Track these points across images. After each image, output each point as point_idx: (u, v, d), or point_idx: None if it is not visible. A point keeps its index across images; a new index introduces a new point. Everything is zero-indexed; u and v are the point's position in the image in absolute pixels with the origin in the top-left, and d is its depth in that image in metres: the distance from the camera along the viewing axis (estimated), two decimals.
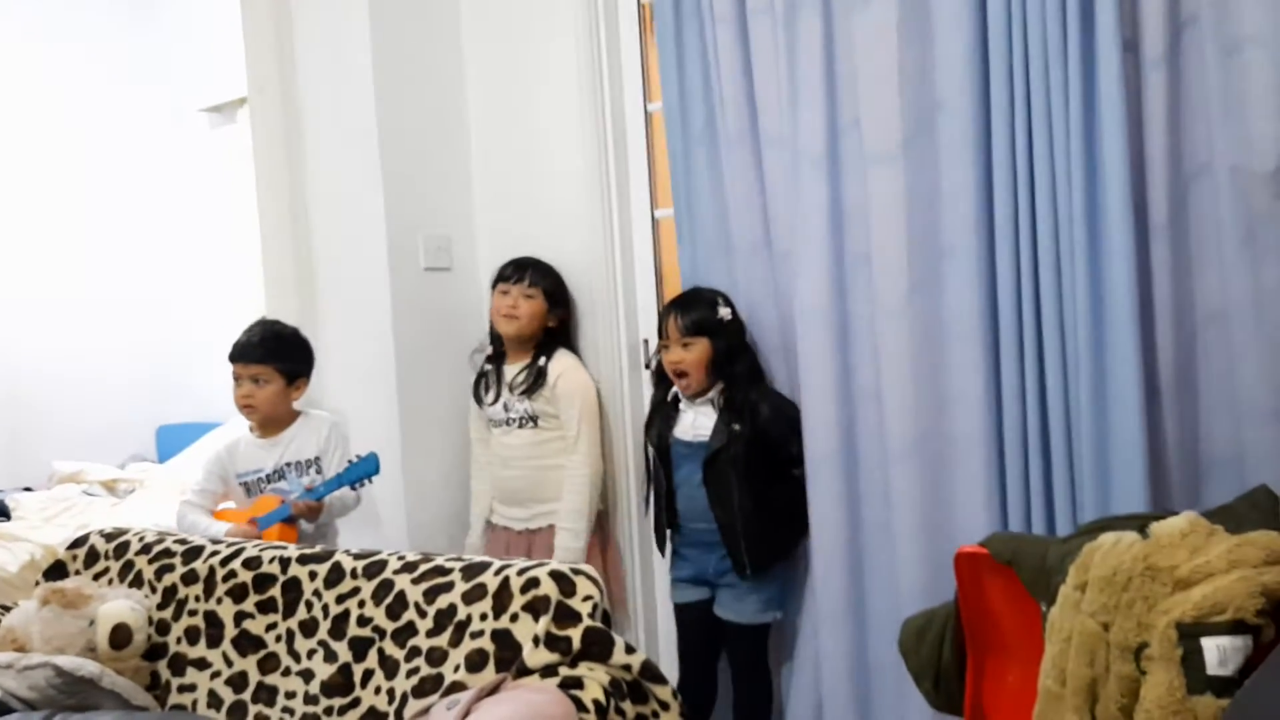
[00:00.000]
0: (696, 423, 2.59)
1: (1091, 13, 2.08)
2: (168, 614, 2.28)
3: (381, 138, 2.94)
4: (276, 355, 2.71)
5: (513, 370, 2.86)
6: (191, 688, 2.19)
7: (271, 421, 2.73)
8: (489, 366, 2.92)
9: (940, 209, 2.31)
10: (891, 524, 2.39)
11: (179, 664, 2.22)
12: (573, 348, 2.91)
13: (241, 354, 2.70)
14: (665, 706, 1.82)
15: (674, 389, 2.64)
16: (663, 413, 2.68)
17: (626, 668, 1.81)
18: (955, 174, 2.27)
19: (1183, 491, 2.11)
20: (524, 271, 2.84)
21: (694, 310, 2.58)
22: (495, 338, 2.92)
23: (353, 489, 2.63)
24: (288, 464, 2.71)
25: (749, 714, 2.65)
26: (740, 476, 2.49)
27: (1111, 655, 1.37)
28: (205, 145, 5.08)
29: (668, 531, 2.70)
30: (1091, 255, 2.11)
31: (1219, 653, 1.26)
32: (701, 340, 2.55)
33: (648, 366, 2.90)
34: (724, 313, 2.58)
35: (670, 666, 2.78)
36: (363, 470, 2.58)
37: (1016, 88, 2.18)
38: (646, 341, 2.93)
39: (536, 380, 2.79)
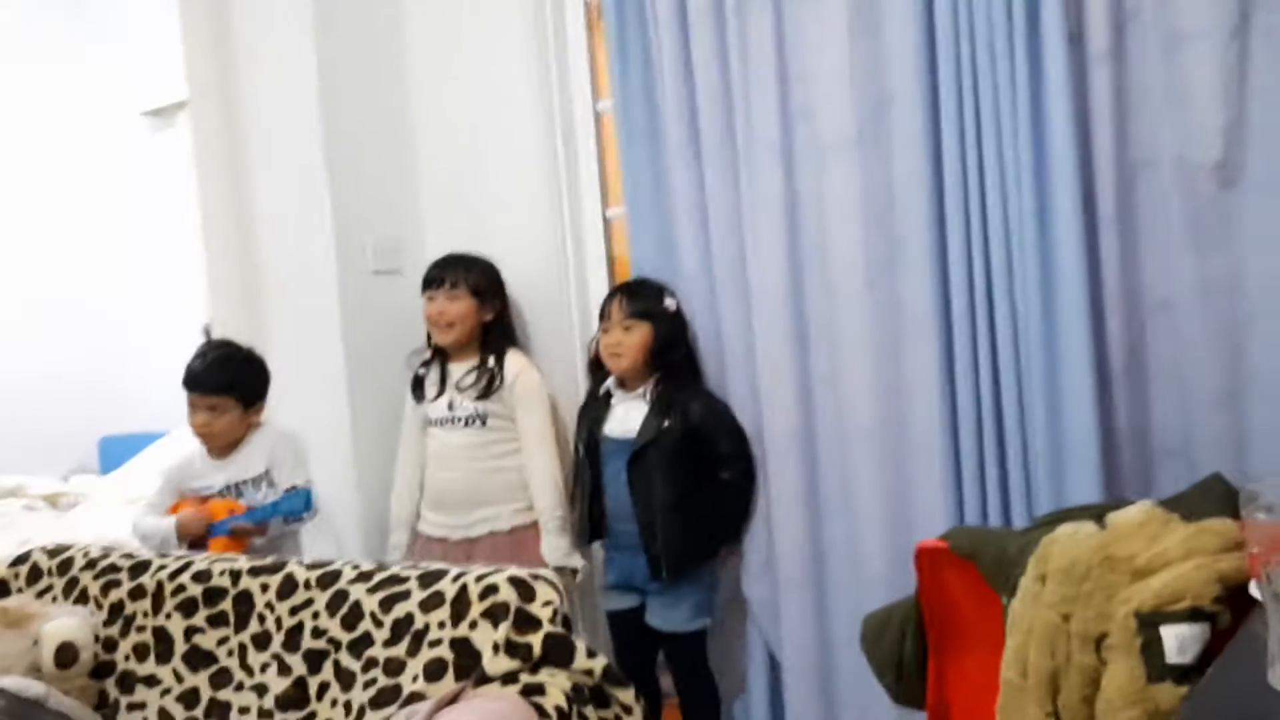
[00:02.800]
0: (627, 418, 2.55)
1: (1037, 7, 2.10)
2: (115, 630, 2.21)
3: (326, 139, 2.89)
4: (232, 384, 2.63)
5: (460, 369, 2.79)
6: (141, 706, 2.14)
7: (228, 445, 2.68)
8: (424, 370, 2.85)
9: (893, 200, 2.32)
10: (850, 515, 2.40)
11: (128, 682, 2.16)
12: (515, 340, 2.86)
13: (197, 383, 2.63)
14: (628, 710, 1.81)
15: (606, 383, 2.61)
16: (594, 407, 2.64)
17: (588, 672, 1.79)
18: (907, 166, 2.28)
19: (1134, 478, 2.14)
20: (444, 273, 2.77)
21: (640, 295, 2.57)
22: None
23: (285, 522, 2.57)
24: (239, 481, 2.65)
25: (697, 718, 2.62)
26: (665, 474, 2.45)
27: (1072, 646, 1.38)
28: (146, 149, 4.98)
29: (597, 534, 2.66)
30: (1042, 246, 2.13)
31: (1178, 641, 1.27)
32: (643, 325, 2.53)
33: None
34: (669, 303, 2.58)
35: None
36: (289, 506, 2.52)
37: (965, 81, 2.20)
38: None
39: (491, 381, 2.75)
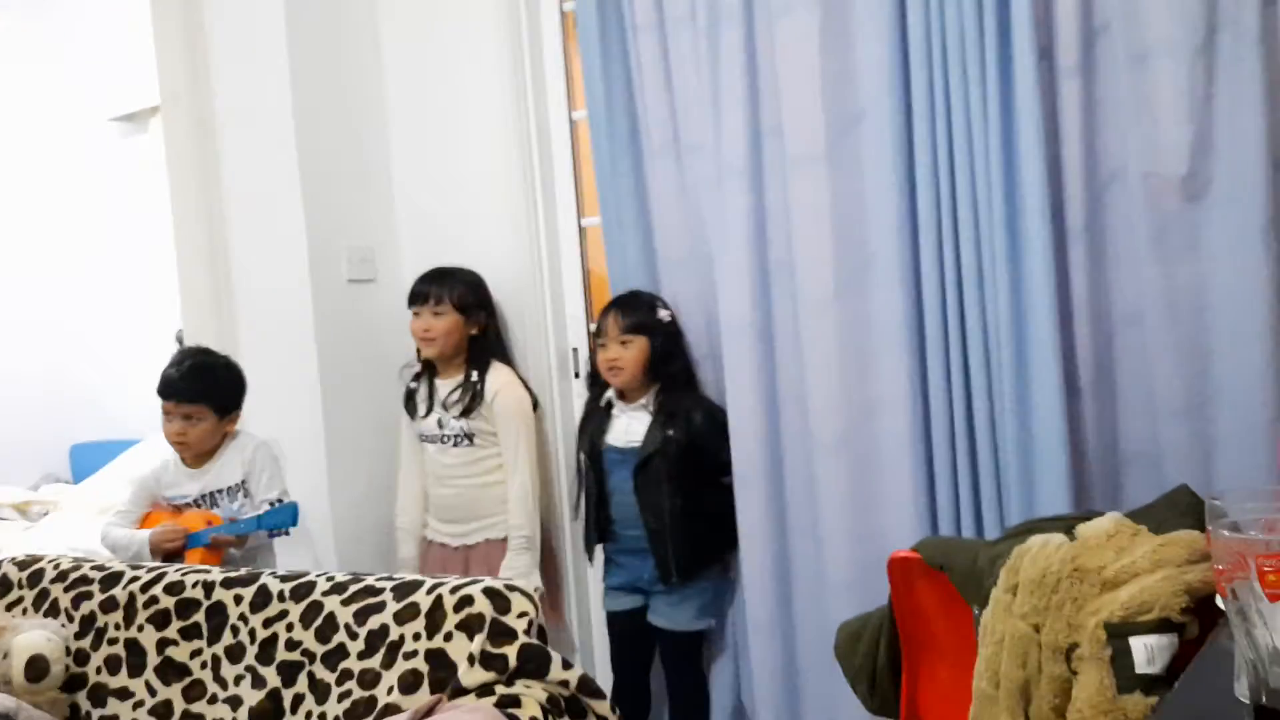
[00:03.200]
0: (630, 428, 2.59)
1: (1007, 22, 2.12)
2: (86, 643, 2.19)
3: (300, 146, 2.87)
4: (207, 393, 2.61)
5: (446, 387, 2.79)
6: (114, 719, 2.12)
7: (203, 454, 2.66)
8: (414, 384, 2.86)
9: (864, 214, 2.34)
10: (819, 527, 2.42)
11: (99, 695, 2.14)
12: (504, 354, 2.86)
13: (172, 391, 2.60)
14: None
15: (607, 394, 2.64)
16: (595, 418, 2.67)
17: (564, 684, 1.79)
18: (878, 179, 2.30)
19: (1103, 488, 2.17)
20: (429, 288, 2.77)
21: (635, 309, 2.59)
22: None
23: (270, 535, 2.56)
24: (215, 491, 2.63)
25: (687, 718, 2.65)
26: (672, 482, 2.50)
27: (1043, 656, 1.40)
28: (117, 155, 4.93)
29: (602, 539, 2.69)
30: (1012, 259, 2.15)
31: (1147, 651, 1.29)
32: (640, 339, 2.56)
33: (577, 375, 2.88)
34: (663, 315, 2.60)
35: (605, 674, 2.77)
36: (276, 520, 2.51)
37: (936, 94, 2.22)
38: (576, 350, 2.91)
39: (474, 399, 2.75)
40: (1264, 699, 0.86)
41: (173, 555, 2.51)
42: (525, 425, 2.76)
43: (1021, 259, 2.14)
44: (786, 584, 2.48)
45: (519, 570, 2.68)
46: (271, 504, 2.55)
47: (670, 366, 2.58)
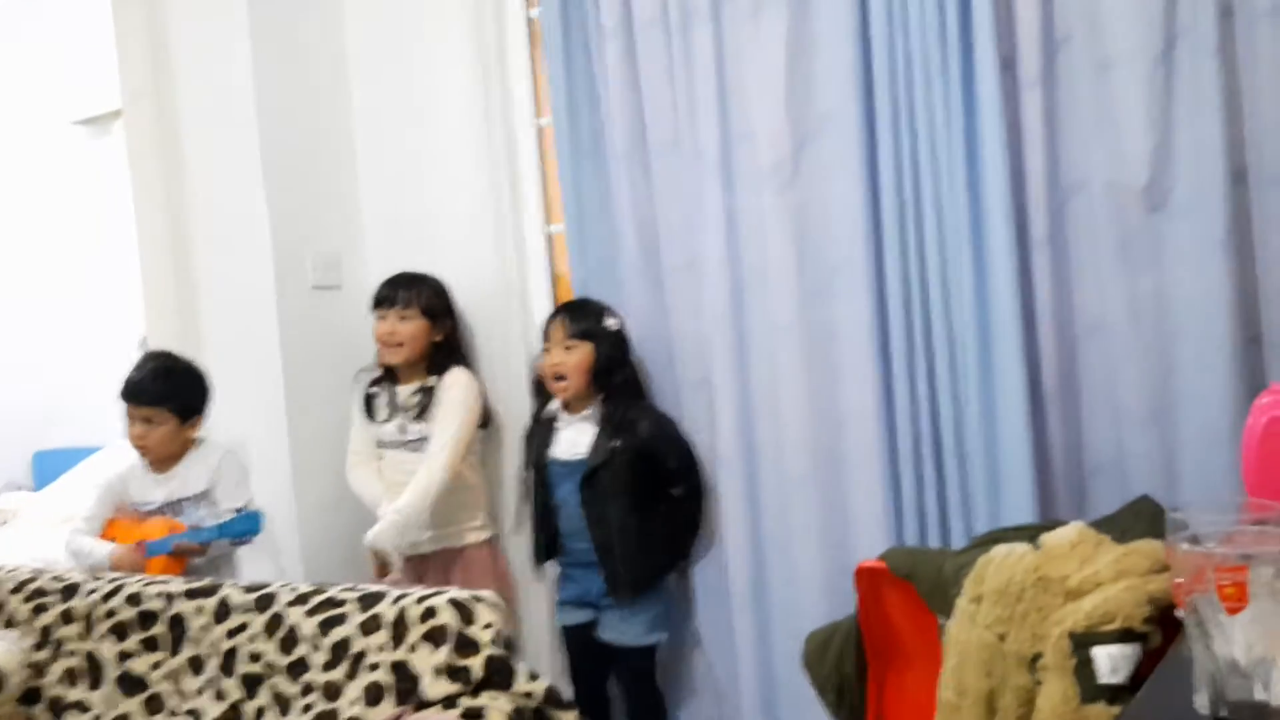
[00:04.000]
0: (575, 441, 2.55)
1: (970, 31, 2.13)
2: (45, 655, 2.17)
3: (264, 151, 2.85)
4: (169, 396, 2.58)
5: (406, 391, 2.77)
6: None
7: (166, 459, 2.63)
8: (375, 389, 2.82)
9: (830, 222, 2.34)
10: (789, 536, 2.41)
11: (57, 708, 2.11)
12: (466, 359, 2.83)
13: (132, 394, 2.58)
14: None
15: (550, 406, 2.61)
16: (540, 431, 2.64)
17: (529, 695, 1.78)
18: (842, 187, 2.31)
19: (1068, 496, 2.18)
20: (396, 292, 2.74)
21: (581, 315, 2.57)
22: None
23: (233, 544, 2.53)
24: (180, 499, 2.60)
25: None
26: (619, 495, 2.46)
27: (1008, 666, 1.40)
28: (80, 159, 4.86)
29: (551, 553, 2.66)
30: (976, 268, 2.17)
31: (1110, 661, 1.30)
32: (585, 345, 2.53)
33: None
34: (610, 323, 2.57)
35: (563, 686, 2.76)
36: (239, 528, 2.47)
37: (900, 105, 2.23)
38: None
39: (429, 400, 2.73)
40: (1222, 711, 0.86)
41: (137, 569, 2.47)
42: (459, 410, 2.68)
43: (986, 268, 2.15)
44: (762, 594, 2.48)
45: (382, 536, 2.60)
46: (235, 512, 2.52)
47: (616, 376, 2.54)
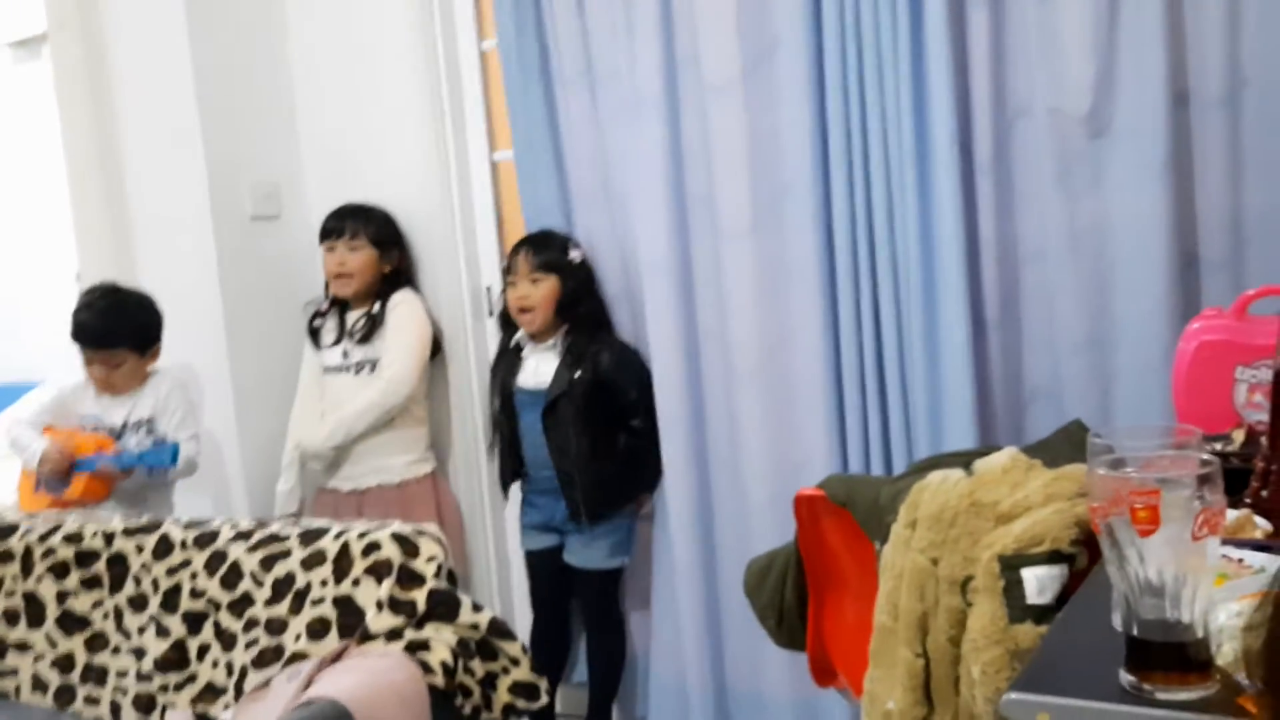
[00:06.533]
0: (538, 370, 2.57)
1: None
2: None
3: (197, 78, 2.76)
4: (126, 334, 2.58)
5: (354, 316, 2.77)
6: (13, 672, 2.08)
7: (126, 389, 2.61)
8: (321, 319, 2.80)
9: (779, 147, 2.32)
10: (739, 461, 2.43)
11: None
12: (415, 287, 2.82)
13: (89, 339, 2.55)
14: (515, 662, 1.81)
15: (517, 335, 2.61)
16: (506, 360, 2.65)
17: (474, 626, 1.79)
18: (792, 111, 2.28)
19: (1006, 421, 2.20)
20: (343, 223, 2.72)
21: (546, 248, 2.56)
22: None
23: (149, 473, 2.53)
24: (124, 423, 2.59)
25: (604, 660, 2.67)
26: (579, 424, 2.49)
27: (940, 589, 1.42)
28: (7, 84, 4.69)
29: (516, 479, 2.68)
30: (921, 192, 2.16)
31: (1037, 582, 1.32)
32: (550, 278, 2.53)
33: (491, 314, 2.84)
34: (574, 255, 2.57)
35: (524, 614, 2.78)
36: (155, 459, 2.50)
37: (847, 26, 2.20)
38: (489, 289, 2.86)
39: (374, 324, 2.71)
40: (1135, 630, 0.88)
41: (59, 476, 2.46)
42: (407, 334, 2.69)
43: (931, 193, 2.14)
44: (709, 518, 2.50)
45: (317, 440, 2.68)
46: (157, 442, 2.53)
47: (580, 308, 2.55)
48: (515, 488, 2.73)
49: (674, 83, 2.41)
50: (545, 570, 2.67)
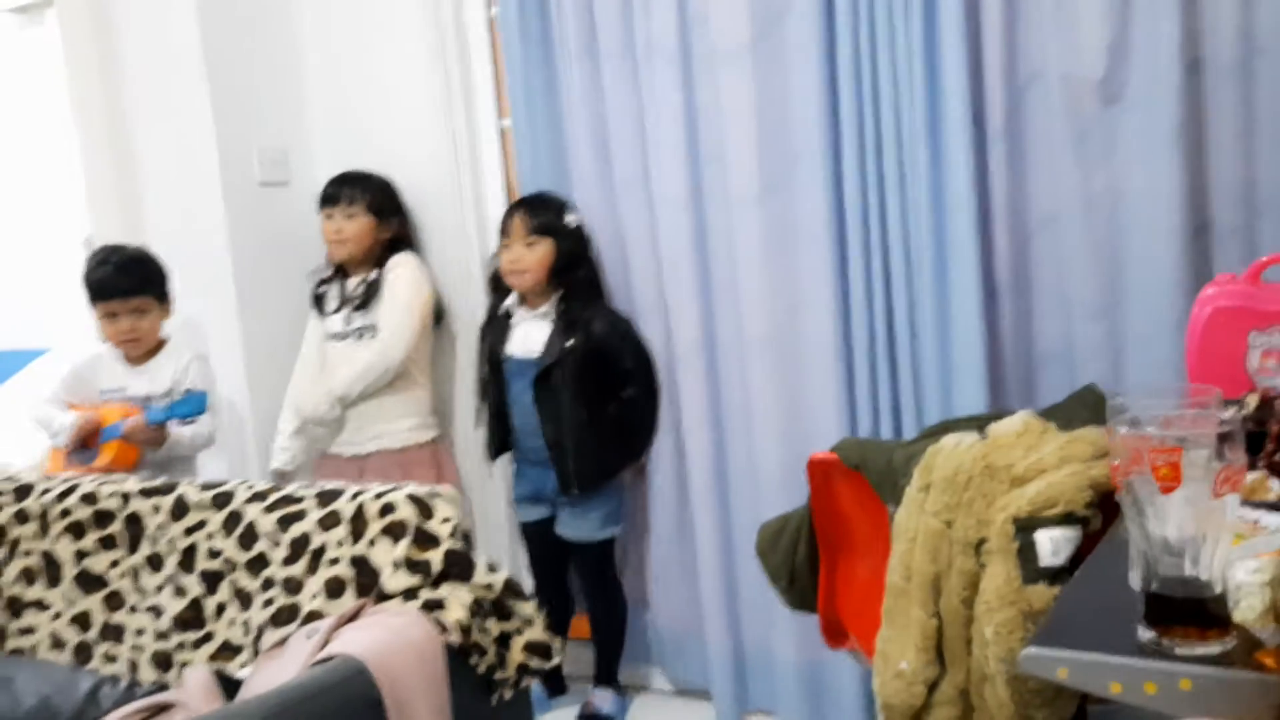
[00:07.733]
0: (530, 337, 2.54)
1: None
2: (0, 555, 2.16)
3: (206, 43, 2.75)
4: (150, 282, 2.59)
5: (353, 283, 2.78)
6: (31, 630, 2.10)
7: (146, 351, 2.62)
8: (324, 287, 2.81)
9: (789, 111, 2.31)
10: (749, 426, 2.44)
11: (16, 607, 2.12)
12: (416, 253, 2.82)
13: (116, 289, 2.55)
14: (529, 622, 1.83)
15: (507, 301, 2.59)
16: (495, 326, 2.62)
17: (489, 586, 1.81)
18: (803, 77, 2.27)
19: (1018, 385, 2.21)
20: (340, 190, 2.72)
21: (542, 210, 2.53)
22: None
23: (181, 423, 2.53)
24: (148, 394, 2.59)
25: (605, 626, 2.69)
26: (572, 394, 2.46)
27: (953, 551, 1.44)
28: (11, 49, 4.66)
29: (505, 449, 2.68)
30: (933, 160, 2.16)
31: (1051, 544, 1.33)
32: (546, 241, 2.50)
33: None
34: (571, 219, 2.54)
35: (525, 581, 2.80)
36: (187, 409, 2.49)
37: None
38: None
39: (373, 290, 2.72)
40: (1154, 587, 0.89)
41: (89, 444, 2.47)
42: (405, 298, 2.69)
43: (943, 159, 2.14)
44: (724, 483, 2.51)
45: (308, 406, 2.70)
46: (187, 392, 2.54)
47: (575, 273, 2.51)
48: (504, 459, 2.73)
49: (686, 45, 2.40)
50: (540, 541, 2.67)
